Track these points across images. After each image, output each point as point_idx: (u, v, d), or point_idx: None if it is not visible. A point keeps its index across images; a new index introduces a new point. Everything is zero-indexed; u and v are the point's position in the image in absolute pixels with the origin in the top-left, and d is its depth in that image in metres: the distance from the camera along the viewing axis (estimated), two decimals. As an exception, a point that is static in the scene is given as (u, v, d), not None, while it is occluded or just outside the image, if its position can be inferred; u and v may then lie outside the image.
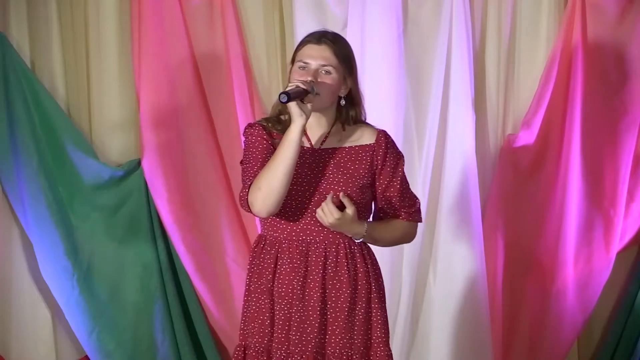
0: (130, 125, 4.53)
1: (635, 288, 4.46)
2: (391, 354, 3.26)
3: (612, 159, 4.42)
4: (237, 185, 4.49)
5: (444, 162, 4.43)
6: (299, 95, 3.11)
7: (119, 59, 4.50)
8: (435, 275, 4.46)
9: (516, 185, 4.48)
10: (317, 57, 3.20)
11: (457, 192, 4.42)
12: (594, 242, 4.46)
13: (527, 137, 4.45)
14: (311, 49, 3.22)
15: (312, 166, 3.22)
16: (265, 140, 3.23)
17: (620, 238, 4.45)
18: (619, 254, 4.47)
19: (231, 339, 4.55)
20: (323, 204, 3.13)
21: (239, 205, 3.25)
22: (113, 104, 4.51)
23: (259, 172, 3.18)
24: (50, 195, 4.39)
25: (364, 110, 3.33)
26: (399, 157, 3.31)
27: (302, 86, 3.11)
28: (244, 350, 3.27)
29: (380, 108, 4.36)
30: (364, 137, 3.28)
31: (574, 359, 4.59)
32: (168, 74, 4.47)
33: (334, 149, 3.25)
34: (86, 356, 4.52)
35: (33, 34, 4.44)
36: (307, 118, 3.14)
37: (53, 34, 4.46)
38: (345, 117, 3.27)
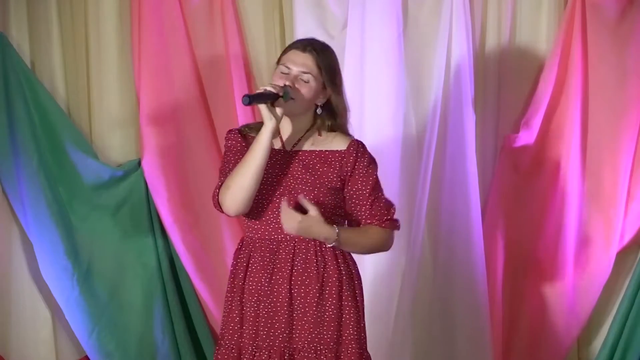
0: (130, 125, 4.53)
1: (635, 288, 4.45)
2: (363, 352, 3.30)
3: (612, 159, 4.42)
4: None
5: (444, 162, 4.43)
6: (268, 98, 3.18)
7: (119, 59, 4.50)
8: (435, 276, 4.46)
9: (516, 185, 4.48)
10: (299, 64, 3.27)
11: (457, 192, 4.41)
12: (594, 242, 4.45)
13: (527, 137, 4.45)
14: (295, 55, 3.29)
15: (282, 167, 3.29)
16: (239, 143, 3.33)
17: (620, 238, 4.45)
18: (619, 254, 4.47)
19: (231, 339, 4.55)
20: (282, 213, 3.17)
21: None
22: (113, 104, 4.51)
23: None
24: (50, 195, 4.39)
25: (349, 122, 3.37)
26: (370, 164, 3.33)
27: (270, 90, 3.18)
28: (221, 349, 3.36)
29: (380, 108, 4.36)
30: (335, 144, 3.33)
31: (574, 359, 4.58)
32: (168, 74, 4.47)
33: (304, 151, 3.32)
34: (86, 356, 4.52)
35: (33, 34, 4.45)
36: (278, 122, 3.21)
37: (53, 34, 4.46)
38: (320, 124, 3.33)
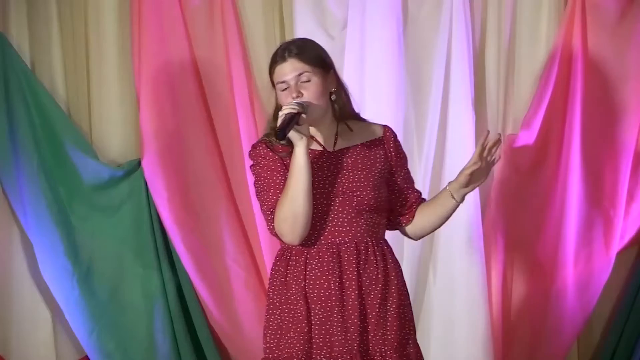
0: (130, 125, 4.53)
1: (635, 288, 4.46)
2: (418, 350, 3.28)
3: (612, 159, 4.42)
4: (236, 185, 4.50)
5: (444, 162, 4.43)
6: (293, 121, 3.10)
7: (119, 59, 4.50)
8: (435, 275, 4.46)
9: (516, 185, 4.48)
10: (290, 72, 3.20)
11: (457, 192, 4.41)
12: (594, 242, 4.45)
13: (527, 137, 4.45)
14: (280, 69, 3.22)
15: (330, 168, 3.24)
16: (273, 160, 3.23)
17: (620, 238, 4.45)
18: (619, 254, 4.46)
19: (231, 340, 4.55)
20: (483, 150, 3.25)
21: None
22: (113, 104, 4.52)
23: (274, 198, 3.19)
24: (50, 195, 4.39)
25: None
26: (403, 150, 3.39)
27: (291, 111, 3.11)
28: None
29: (380, 108, 4.36)
30: (371, 133, 3.32)
31: (574, 359, 4.58)
32: (168, 74, 4.47)
33: (348, 148, 3.27)
34: (86, 356, 4.52)
35: (33, 34, 4.45)
36: (308, 137, 3.15)
37: (53, 34, 4.46)
38: (341, 112, 3.28)
